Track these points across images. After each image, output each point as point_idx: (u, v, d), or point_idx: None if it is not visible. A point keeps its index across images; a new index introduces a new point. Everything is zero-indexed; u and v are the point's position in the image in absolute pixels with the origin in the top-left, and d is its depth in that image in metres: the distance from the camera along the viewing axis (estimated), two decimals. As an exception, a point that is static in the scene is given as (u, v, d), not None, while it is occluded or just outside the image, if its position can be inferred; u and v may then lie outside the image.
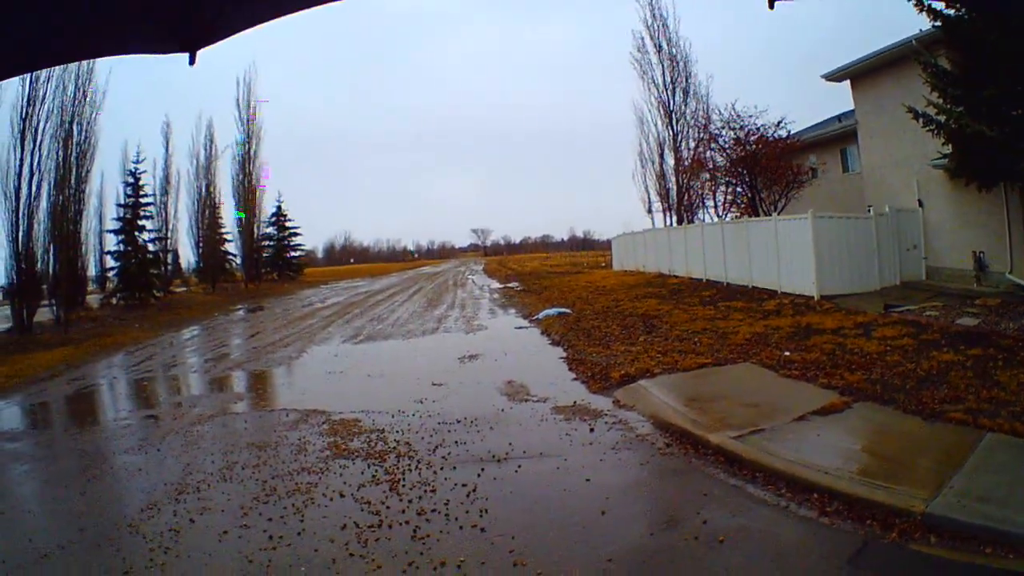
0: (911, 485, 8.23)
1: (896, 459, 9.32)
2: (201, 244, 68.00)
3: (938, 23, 19.67)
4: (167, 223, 61.28)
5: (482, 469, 10.48)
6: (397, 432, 12.86)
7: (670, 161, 52.21)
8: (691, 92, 50.92)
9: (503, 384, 16.52)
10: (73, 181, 40.50)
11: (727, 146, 37.09)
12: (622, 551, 7.52)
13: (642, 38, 52.14)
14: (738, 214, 38.67)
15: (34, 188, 36.73)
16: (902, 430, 10.62)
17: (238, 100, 70.45)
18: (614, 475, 10.02)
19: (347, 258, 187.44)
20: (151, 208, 57.12)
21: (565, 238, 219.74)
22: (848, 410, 11.83)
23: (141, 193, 55.18)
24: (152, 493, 10.29)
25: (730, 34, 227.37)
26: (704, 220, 45.94)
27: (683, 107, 50.99)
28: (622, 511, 8.67)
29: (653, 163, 53.56)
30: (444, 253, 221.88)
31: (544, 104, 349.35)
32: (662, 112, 51.80)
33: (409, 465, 10.91)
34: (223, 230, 71.92)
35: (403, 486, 9.97)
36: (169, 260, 62.73)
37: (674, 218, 51.01)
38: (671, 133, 51.50)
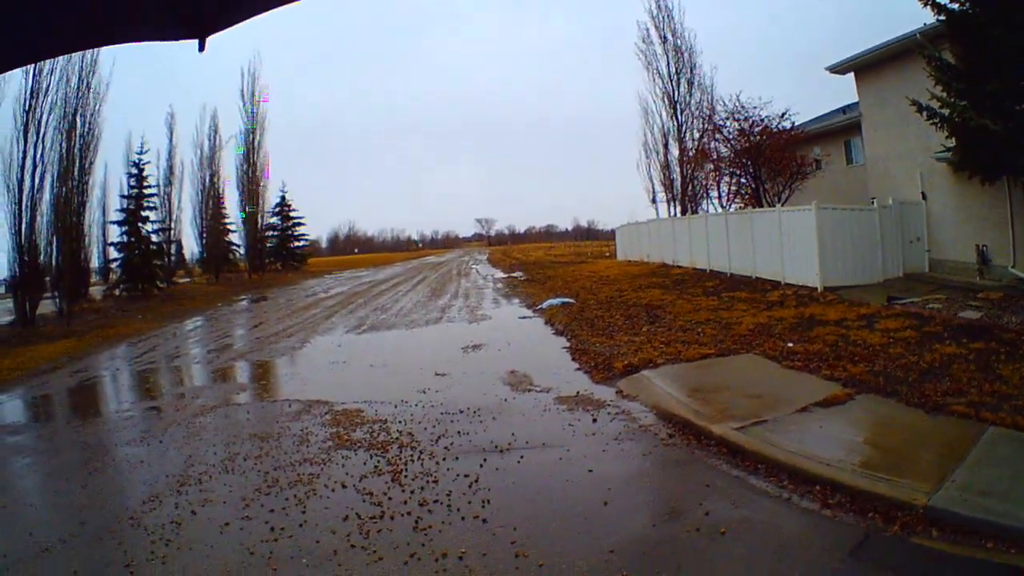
0: (913, 478, 8.24)
1: (898, 452, 9.33)
2: (205, 235, 67.76)
3: (942, 17, 19.63)
4: (171, 214, 61.27)
5: (484, 460, 10.51)
6: (400, 422, 12.90)
7: (674, 151, 52.13)
8: (696, 83, 50.85)
9: (506, 374, 16.55)
10: (76, 173, 40.32)
11: (731, 137, 36.96)
12: (624, 542, 7.54)
13: (647, 29, 52.00)
14: (742, 205, 38.52)
15: (37, 180, 36.63)
16: (904, 423, 10.62)
17: (242, 91, 70.41)
18: (617, 466, 10.04)
19: (351, 248, 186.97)
20: (155, 199, 57.18)
21: (569, 228, 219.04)
22: (851, 402, 11.84)
23: (145, 184, 55.18)
24: (154, 485, 10.34)
25: (735, 25, 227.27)
26: (708, 211, 45.82)
27: (688, 98, 50.91)
28: (624, 502, 8.68)
29: (657, 153, 53.45)
30: (448, 243, 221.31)
31: (547, 93, 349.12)
32: (667, 103, 51.72)
33: (411, 456, 10.94)
34: (227, 220, 71.81)
35: (405, 477, 10.00)
36: (173, 251, 62.59)
37: (678, 208, 50.98)
38: (676, 124, 51.40)
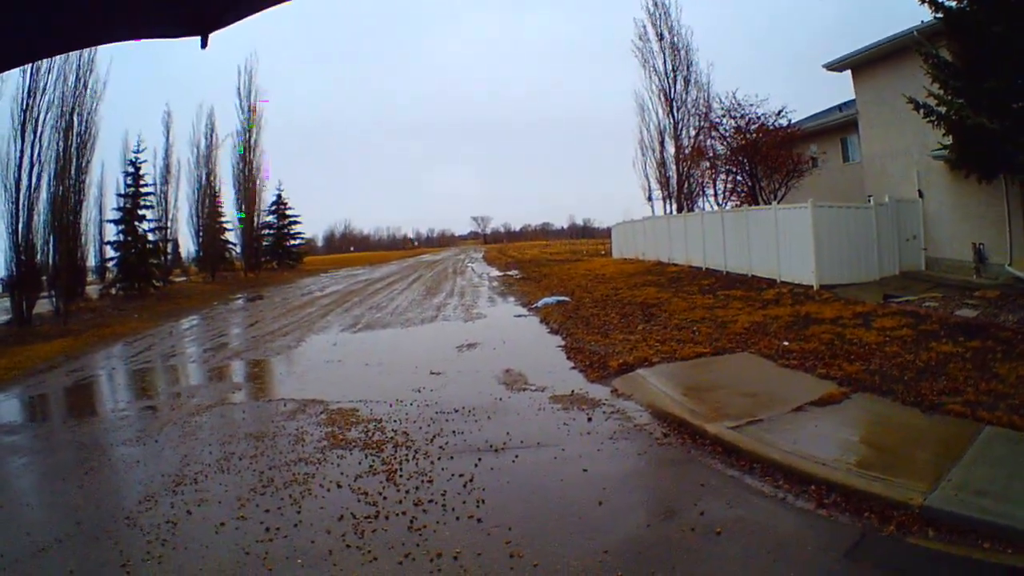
0: (909, 477, 8.22)
1: (894, 451, 9.32)
2: (201, 233, 67.77)
3: (940, 15, 19.60)
4: (167, 212, 61.02)
5: (479, 459, 10.50)
6: (395, 422, 12.89)
7: (670, 149, 52.33)
8: (692, 80, 51.02)
9: (501, 373, 16.53)
10: (73, 172, 40.39)
11: (727, 134, 36.99)
12: (619, 542, 7.53)
13: (644, 26, 52.16)
14: (738, 203, 38.53)
15: (34, 179, 36.62)
16: (900, 422, 10.61)
17: (239, 89, 70.18)
18: (611, 465, 10.03)
19: (347, 246, 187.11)
20: (151, 197, 57.13)
21: (565, 226, 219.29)
22: (846, 401, 11.83)
23: (141, 183, 55.15)
24: (150, 485, 10.33)
25: (732, 22, 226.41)
26: (704, 208, 45.97)
27: (684, 95, 51.09)
28: (619, 501, 8.67)
29: (654, 151, 53.64)
30: (444, 241, 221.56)
31: (545, 92, 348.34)
32: (663, 100, 51.89)
33: (406, 455, 10.92)
34: (223, 219, 71.87)
35: (400, 476, 9.99)
36: (169, 249, 62.58)
37: (674, 206, 51.10)
38: (672, 121, 51.54)
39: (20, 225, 35.71)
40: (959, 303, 19.43)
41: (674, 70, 50.91)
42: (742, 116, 35.45)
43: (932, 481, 8.02)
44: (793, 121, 35.68)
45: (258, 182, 71.91)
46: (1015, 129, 17.75)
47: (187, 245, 72.94)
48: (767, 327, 18.65)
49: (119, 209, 53.65)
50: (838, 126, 34.64)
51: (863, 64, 29.18)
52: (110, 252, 53.61)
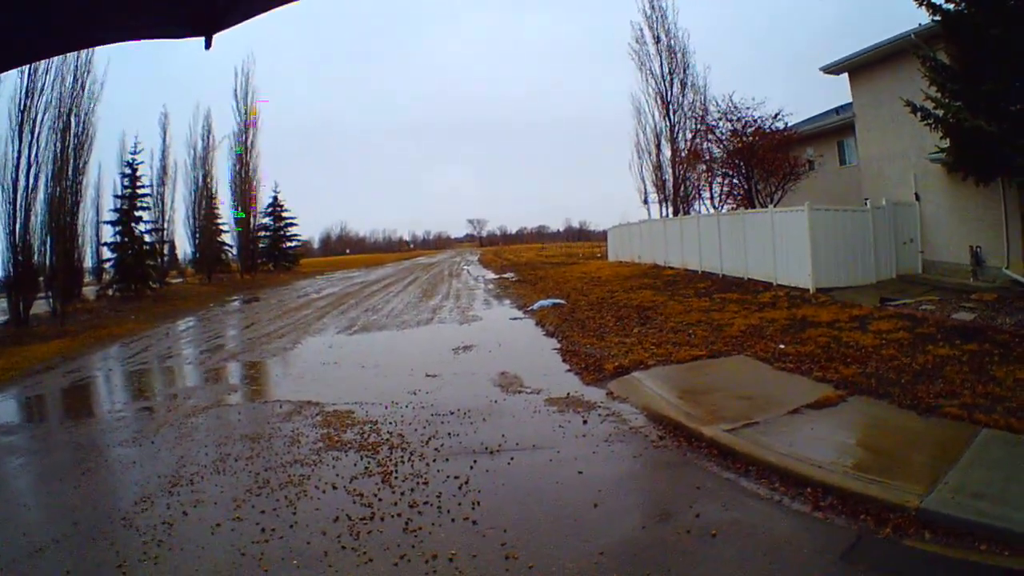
0: (905, 480, 8.20)
1: (890, 454, 9.30)
2: (197, 235, 67.60)
3: (937, 18, 19.63)
4: (164, 214, 60.67)
5: (475, 461, 10.49)
6: (390, 424, 12.88)
7: (667, 152, 52.25)
8: (689, 83, 51.01)
9: (497, 375, 16.53)
10: (70, 172, 40.36)
11: (724, 137, 36.95)
12: (614, 544, 7.51)
13: (641, 29, 52.15)
14: (734, 206, 38.56)
15: (31, 180, 36.66)
16: (897, 424, 10.58)
17: (236, 91, 70.32)
18: (607, 468, 10.01)
19: (343, 248, 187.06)
20: (148, 199, 56.76)
21: (561, 229, 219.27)
22: (842, 404, 11.81)
23: (138, 184, 54.92)
24: (146, 486, 10.32)
25: (729, 25, 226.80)
26: (700, 211, 45.92)
27: (680, 98, 51.07)
28: (615, 504, 8.65)
29: (650, 154, 53.55)
30: (440, 243, 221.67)
31: (542, 95, 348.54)
32: (659, 103, 51.86)
33: (402, 457, 10.91)
34: (219, 221, 71.91)
35: (395, 478, 9.98)
36: (165, 251, 62.30)
37: (670, 209, 51.11)
38: (668, 124, 51.52)
39: (17, 226, 35.76)
40: (956, 306, 19.42)
41: (671, 73, 50.99)
42: (739, 119, 35.45)
43: (929, 484, 8.00)
44: (790, 124, 35.70)
45: (254, 183, 71.90)
46: (1013, 132, 17.77)
47: (183, 247, 73.02)
48: (763, 330, 18.63)
49: (116, 210, 53.59)
50: (835, 129, 34.67)
51: (860, 67, 29.16)
52: (107, 253, 53.56)
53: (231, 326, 32.82)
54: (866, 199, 28.24)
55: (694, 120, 47.69)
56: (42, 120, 37.28)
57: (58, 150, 38.69)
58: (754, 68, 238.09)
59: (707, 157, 40.32)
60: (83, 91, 40.86)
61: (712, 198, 43.44)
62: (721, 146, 37.57)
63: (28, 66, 35.98)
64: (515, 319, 27.43)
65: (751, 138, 34.50)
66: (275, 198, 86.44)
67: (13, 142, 35.97)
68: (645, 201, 54.65)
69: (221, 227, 72.12)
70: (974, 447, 9.13)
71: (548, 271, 52.46)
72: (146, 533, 8.45)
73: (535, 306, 29.22)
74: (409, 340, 23.84)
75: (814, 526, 7.73)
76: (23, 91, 36.40)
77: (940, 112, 19.76)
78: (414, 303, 36.48)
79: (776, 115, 34.98)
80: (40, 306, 37.03)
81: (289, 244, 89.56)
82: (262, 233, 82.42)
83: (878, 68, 27.93)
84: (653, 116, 52.75)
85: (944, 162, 22.81)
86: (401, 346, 22.64)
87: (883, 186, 28.03)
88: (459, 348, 20.78)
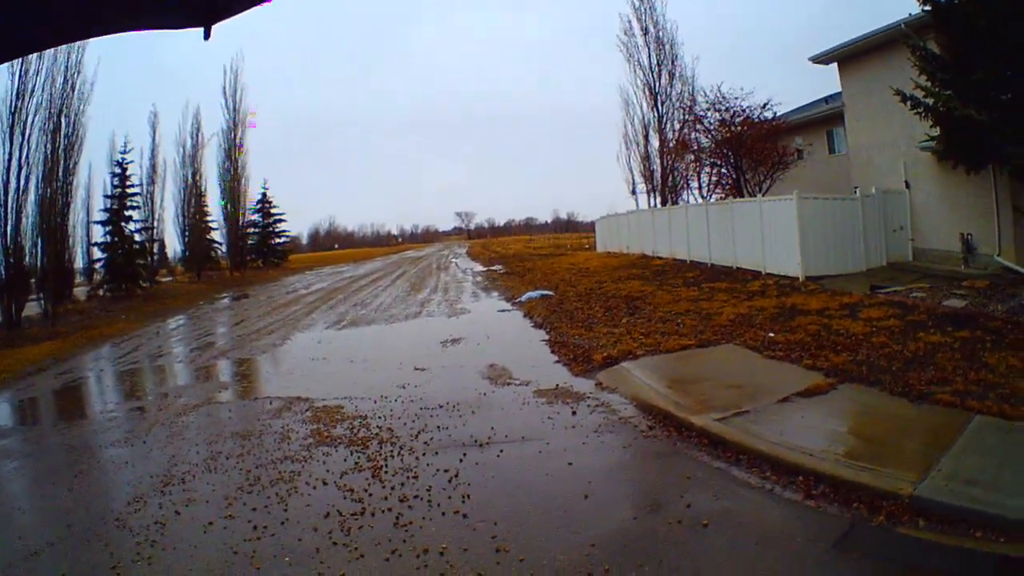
0: (898, 467, 8.15)
1: (882, 441, 9.25)
2: (187, 233, 67.63)
3: (927, 7, 19.64)
4: (153, 213, 60.79)
5: (464, 454, 10.47)
6: (380, 418, 12.89)
7: (655, 143, 52.50)
8: (677, 74, 51.25)
9: (485, 368, 16.52)
10: (61, 173, 40.39)
11: (712, 128, 36.99)
12: (605, 535, 7.47)
13: (629, 21, 52.36)
14: (723, 195, 38.63)
15: (22, 181, 36.79)
16: (888, 412, 10.54)
17: (224, 88, 70.50)
18: (597, 458, 10.00)
19: (332, 243, 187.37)
20: (138, 198, 57.13)
21: (549, 220, 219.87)
22: (833, 391, 11.76)
23: (128, 183, 55.21)
24: (138, 486, 10.33)
25: (717, 14, 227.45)
26: (688, 201, 46.02)
27: (669, 89, 51.30)
28: (605, 495, 8.63)
29: (638, 145, 53.79)
30: (428, 237, 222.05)
31: (530, 87, 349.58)
32: (647, 94, 52.05)
33: (391, 451, 10.91)
34: (209, 218, 72.11)
35: (386, 473, 9.98)
36: (155, 250, 62.40)
37: (658, 199, 51.35)
38: (656, 115, 51.70)
39: (8, 228, 35.87)
40: (947, 293, 19.40)
41: (659, 64, 51.15)
42: (727, 109, 35.51)
43: (922, 471, 7.96)
44: (779, 114, 35.76)
45: (243, 180, 72.03)
46: (1003, 120, 17.77)
47: (173, 245, 73.06)
48: (752, 319, 18.60)
49: (106, 210, 53.68)
50: (824, 118, 34.67)
51: (849, 57, 29.15)
52: (97, 253, 53.62)
53: (221, 324, 32.82)
54: (856, 187, 28.23)
55: (682, 111, 48.01)
56: (33, 121, 37.42)
57: (48, 151, 38.83)
58: (743, 59, 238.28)
59: (695, 147, 40.47)
60: (73, 92, 40.88)
61: (700, 188, 43.67)
62: (709, 136, 37.68)
63: (19, 67, 36.30)
64: (503, 311, 27.44)
65: (739, 128, 34.54)
66: (264, 195, 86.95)
67: (4, 144, 36.19)
68: (633, 192, 54.96)
69: (210, 225, 72.37)
70: (967, 434, 9.09)
71: (536, 263, 52.45)
72: (139, 533, 8.45)
73: (523, 298, 29.21)
74: (398, 334, 23.82)
75: (806, 514, 7.68)
76: (14, 92, 36.54)
77: (930, 101, 19.77)
78: (402, 297, 36.48)
79: (765, 105, 35.07)
80: (32, 308, 37.19)
81: (278, 240, 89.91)
82: (251, 230, 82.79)
83: (868, 58, 27.94)
84: (641, 107, 53.07)
85: (934, 150, 22.85)
86: (390, 340, 22.62)
87: (873, 174, 28.04)
88: (447, 341, 20.76)
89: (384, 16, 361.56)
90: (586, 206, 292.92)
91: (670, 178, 50.36)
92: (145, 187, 59.32)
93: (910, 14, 22.52)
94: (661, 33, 51.24)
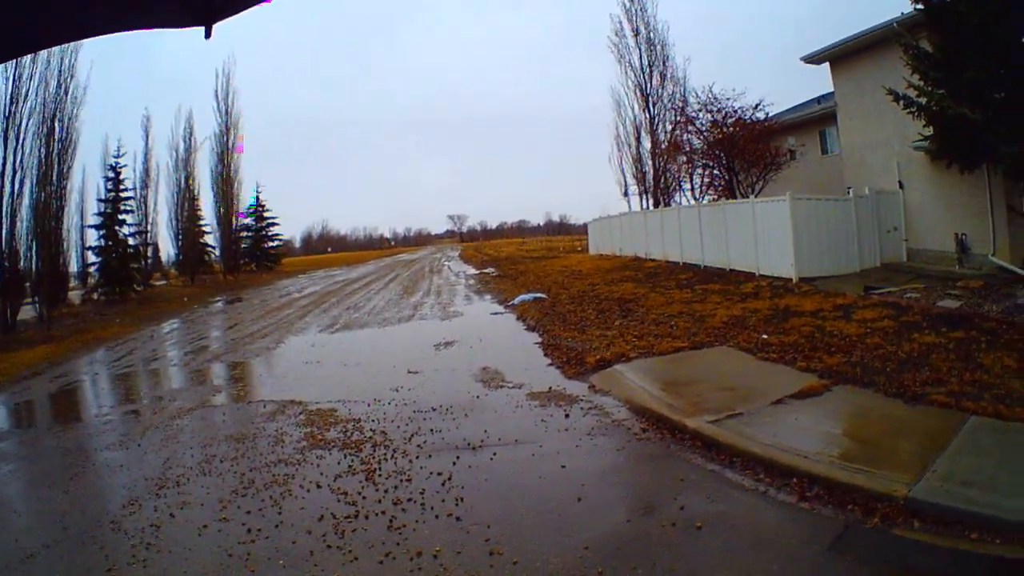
0: (893, 469, 8.13)
1: (877, 443, 9.23)
2: (180, 237, 67.68)
3: (920, 6, 19.66)
4: (147, 217, 60.87)
5: (457, 457, 10.45)
6: (373, 421, 12.86)
7: (647, 144, 52.32)
8: (668, 75, 51.05)
9: (478, 371, 16.50)
10: (55, 177, 40.41)
11: (704, 129, 37.01)
12: (599, 538, 7.45)
13: (620, 22, 52.20)
14: (715, 197, 38.64)
15: (17, 185, 36.80)
16: (883, 413, 10.51)
17: (217, 92, 70.69)
18: (590, 461, 9.98)
19: (324, 247, 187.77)
20: (131, 202, 56.92)
21: (541, 223, 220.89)
22: (827, 393, 11.73)
23: (121, 187, 55.06)
24: (133, 489, 10.32)
25: (709, 13, 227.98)
26: (681, 203, 46.05)
27: (660, 90, 51.11)
28: (598, 498, 8.61)
29: (630, 146, 53.69)
30: (421, 240, 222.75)
31: (521, 91, 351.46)
32: (639, 95, 51.91)
33: (385, 454, 10.90)
34: (202, 222, 72.06)
35: (379, 476, 9.97)
36: (149, 253, 62.47)
37: (650, 201, 51.20)
38: (648, 116, 51.57)
39: (3, 232, 35.83)
40: (942, 294, 19.40)
41: (650, 65, 51.04)
42: (719, 110, 35.52)
43: (917, 472, 7.93)
44: (771, 114, 35.79)
45: (236, 184, 72.12)
46: (997, 119, 17.78)
47: (167, 249, 73.38)
48: (746, 321, 18.59)
49: (100, 214, 53.62)
50: (816, 118, 34.73)
51: (842, 56, 29.15)
52: (91, 257, 53.55)
53: (214, 327, 32.69)
54: (849, 188, 28.19)
55: (674, 112, 47.90)
56: (27, 126, 37.49)
57: (42, 155, 38.88)
58: (734, 59, 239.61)
59: (687, 148, 40.51)
60: (67, 96, 40.89)
61: (693, 189, 43.75)
62: (701, 137, 37.66)
63: (13, 72, 36.57)
64: (496, 314, 27.40)
65: (732, 129, 34.55)
66: (257, 198, 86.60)
67: (-1, 148, 35.95)
68: (625, 194, 54.84)
69: (204, 228, 72.34)
70: (962, 435, 9.07)
71: (529, 265, 52.53)
72: (134, 536, 8.46)
73: (516, 301, 29.21)
74: (391, 337, 23.80)
75: (801, 517, 7.66)
76: (8, 97, 36.60)
77: (923, 100, 19.78)
78: (395, 300, 36.48)
79: (757, 105, 35.06)
80: (27, 312, 37.16)
81: (271, 244, 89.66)
82: (244, 233, 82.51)
83: (860, 57, 27.94)
84: (633, 108, 52.93)
85: (928, 150, 22.83)
86: (383, 343, 22.62)
87: (866, 175, 28.04)
88: (441, 344, 20.72)
89: (375, 19, 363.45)
90: (578, 208, 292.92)
91: (662, 180, 50.29)
92: (139, 191, 59.38)
93: (902, 13, 22.53)
94: (652, 34, 51.18)
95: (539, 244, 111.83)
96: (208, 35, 3.61)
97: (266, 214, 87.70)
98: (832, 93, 31.43)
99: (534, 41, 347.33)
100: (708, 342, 16.72)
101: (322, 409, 14.08)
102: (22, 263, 37.22)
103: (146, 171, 61.43)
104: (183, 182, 67.17)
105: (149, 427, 13.93)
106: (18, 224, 36.72)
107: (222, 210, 70.70)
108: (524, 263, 56.50)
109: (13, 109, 36.39)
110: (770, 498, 8.21)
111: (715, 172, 37.61)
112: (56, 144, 40.16)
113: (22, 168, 36.87)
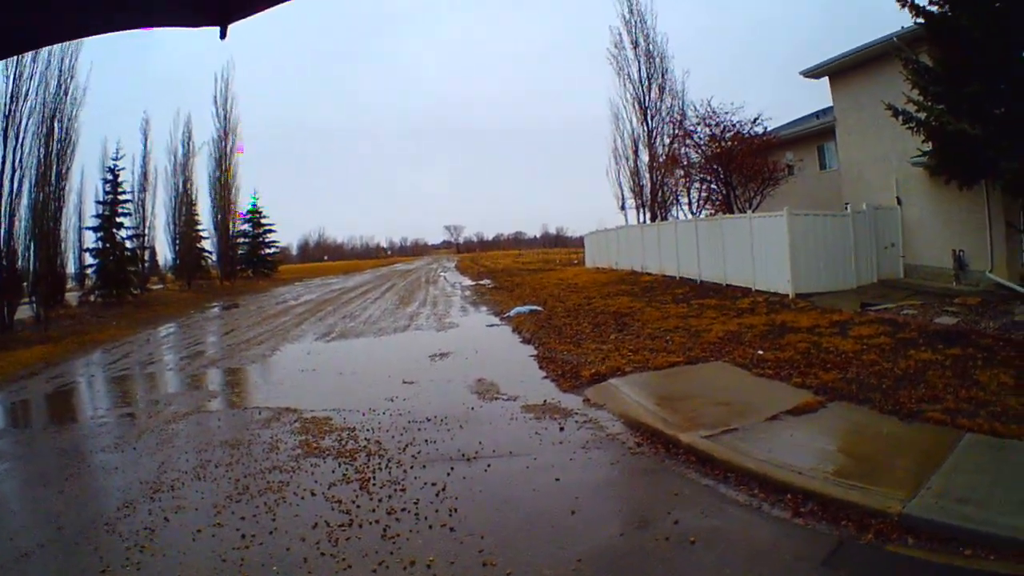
0: (887, 485, 8.11)
1: (872, 459, 9.22)
2: (178, 241, 67.54)
3: (920, 20, 19.60)
4: (145, 220, 60.84)
5: (452, 468, 10.42)
6: (368, 430, 12.83)
7: (644, 158, 52.39)
8: (667, 88, 51.11)
9: (473, 382, 16.47)
10: (53, 178, 40.33)
11: (702, 143, 37.18)
12: (592, 551, 7.42)
13: (619, 34, 52.35)
14: (712, 211, 38.78)
15: (16, 185, 36.76)
16: (878, 430, 10.49)
17: (215, 97, 70.75)
18: (584, 474, 9.94)
19: (321, 255, 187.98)
20: (129, 205, 57.02)
21: (538, 235, 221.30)
22: (823, 409, 11.70)
23: (120, 190, 55.09)
24: (128, 492, 10.29)
25: (708, 27, 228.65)
26: (678, 217, 46.07)
27: (659, 103, 51.19)
28: (592, 511, 8.58)
29: (627, 160, 53.75)
30: (417, 250, 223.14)
31: (519, 101, 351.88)
32: (637, 109, 51.98)
33: (379, 464, 10.86)
34: (199, 227, 71.90)
35: (373, 485, 9.93)
36: (146, 257, 62.30)
37: (647, 215, 51.21)
38: (646, 129, 51.63)
39: (2, 231, 35.80)
40: (938, 310, 19.39)
41: (649, 78, 51.12)
42: (717, 124, 35.70)
43: (911, 489, 7.91)
44: (769, 129, 35.97)
45: (233, 190, 72.31)
46: (997, 134, 17.75)
47: (164, 253, 72.89)
48: (742, 336, 18.58)
49: (98, 216, 53.65)
50: (815, 133, 34.78)
51: (841, 71, 29.22)
52: (89, 259, 53.56)
53: (211, 332, 32.76)
54: (847, 203, 28.20)
55: (672, 125, 48.01)
56: (26, 125, 37.41)
57: (41, 156, 38.82)
58: (733, 73, 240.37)
59: (685, 162, 40.70)
60: (66, 96, 40.83)
61: (690, 204, 43.87)
62: (699, 151, 37.85)
63: (13, 71, 36.65)
64: (492, 326, 27.43)
65: (730, 143, 34.68)
66: (254, 204, 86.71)
67: (-2, 147, 36.00)
68: (622, 207, 54.91)
69: (201, 233, 72.15)
70: (957, 452, 9.06)
71: (525, 277, 52.58)
72: (129, 539, 8.44)
73: (512, 313, 29.20)
74: (386, 347, 23.79)
75: (795, 532, 7.64)
76: (8, 96, 36.57)
77: (922, 115, 19.75)
78: (391, 310, 36.49)
79: (755, 120, 35.24)
80: (24, 311, 37.01)
81: (268, 251, 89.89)
82: (241, 239, 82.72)
83: (859, 72, 28.01)
84: (631, 121, 53.02)
85: (926, 166, 22.84)
86: (378, 353, 22.60)
87: (864, 190, 28.07)
88: (436, 355, 20.71)
89: (374, 29, 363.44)
90: (575, 221, 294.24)
91: (660, 193, 50.33)
92: (136, 194, 59.40)
93: (903, 27, 22.57)
94: (651, 46, 51.28)
95: (535, 256, 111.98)
96: (223, 36, 3.60)
97: (263, 221, 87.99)
98: (831, 108, 31.55)
99: (533, 53, 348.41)
100: (704, 357, 16.69)
101: (317, 417, 14.06)
102: (20, 263, 37.22)
103: (144, 174, 61.48)
104: (181, 186, 67.11)
105: (145, 430, 13.92)
106: (16, 224, 36.70)
107: (219, 216, 70.83)
108: (520, 275, 56.53)
109: (13, 108, 36.45)
110: (764, 513, 8.19)
111: (713, 186, 37.79)
112: (55, 144, 40.15)
113: (21, 167, 36.92)
